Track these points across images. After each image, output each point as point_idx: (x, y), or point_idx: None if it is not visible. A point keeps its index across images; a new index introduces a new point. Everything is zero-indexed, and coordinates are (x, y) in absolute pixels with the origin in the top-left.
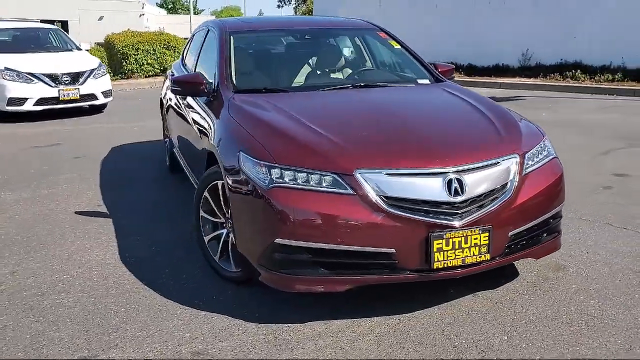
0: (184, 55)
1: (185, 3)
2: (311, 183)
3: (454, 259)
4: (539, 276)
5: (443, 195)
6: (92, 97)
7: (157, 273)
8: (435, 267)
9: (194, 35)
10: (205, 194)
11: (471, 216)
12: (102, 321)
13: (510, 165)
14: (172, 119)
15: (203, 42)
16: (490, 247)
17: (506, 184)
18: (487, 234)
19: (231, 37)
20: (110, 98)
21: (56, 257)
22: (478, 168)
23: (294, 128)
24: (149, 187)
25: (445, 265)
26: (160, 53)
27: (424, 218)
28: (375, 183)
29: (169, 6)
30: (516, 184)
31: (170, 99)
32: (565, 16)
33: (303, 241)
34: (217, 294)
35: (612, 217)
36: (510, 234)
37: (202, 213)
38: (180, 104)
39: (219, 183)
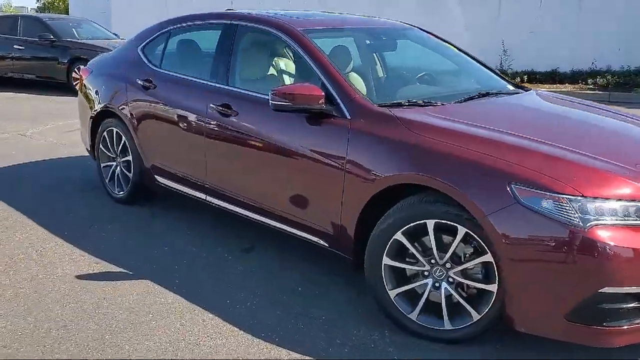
0: (152, 60)
1: None
2: (624, 215)
3: None
4: None
5: None
6: None
7: (312, 328)
8: None
9: (170, 32)
10: (400, 238)
11: None
12: None
13: None
14: (170, 141)
15: (232, 44)
16: None
17: None
18: None
19: (312, 39)
20: None
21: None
22: None
23: (546, 149)
24: (130, 226)
25: None
26: None
27: None
28: None
29: None
30: None
31: (158, 113)
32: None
33: (633, 286)
34: None
35: None
36: None
37: (386, 261)
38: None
39: (430, 222)
